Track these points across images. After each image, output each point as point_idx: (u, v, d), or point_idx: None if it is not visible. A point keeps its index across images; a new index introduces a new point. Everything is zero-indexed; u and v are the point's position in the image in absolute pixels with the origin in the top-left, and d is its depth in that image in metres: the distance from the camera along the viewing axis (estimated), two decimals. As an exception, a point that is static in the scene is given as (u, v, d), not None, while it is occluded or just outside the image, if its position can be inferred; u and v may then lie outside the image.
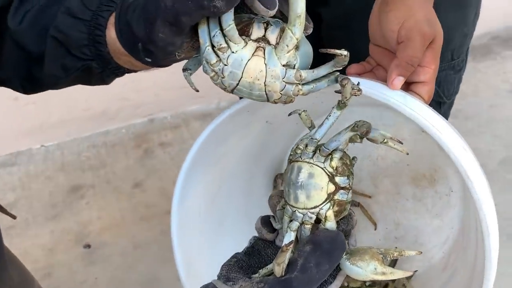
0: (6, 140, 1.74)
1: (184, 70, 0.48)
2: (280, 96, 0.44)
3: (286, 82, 0.43)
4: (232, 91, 0.45)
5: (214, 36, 0.42)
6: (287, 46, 0.41)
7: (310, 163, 0.46)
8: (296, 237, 0.46)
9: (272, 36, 0.42)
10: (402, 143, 0.45)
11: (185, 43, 0.45)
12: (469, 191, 0.48)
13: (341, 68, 0.44)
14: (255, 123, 0.65)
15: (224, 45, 0.42)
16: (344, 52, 0.41)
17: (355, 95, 0.44)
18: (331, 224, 0.45)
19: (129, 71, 0.57)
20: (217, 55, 0.43)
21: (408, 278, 0.66)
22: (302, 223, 0.46)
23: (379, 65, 0.62)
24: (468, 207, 0.63)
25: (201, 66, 0.46)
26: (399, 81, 0.53)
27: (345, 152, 0.47)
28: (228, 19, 0.41)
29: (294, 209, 0.46)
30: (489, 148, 1.74)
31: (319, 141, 0.46)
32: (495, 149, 1.74)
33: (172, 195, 0.64)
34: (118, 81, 0.62)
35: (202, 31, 0.43)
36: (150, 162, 1.74)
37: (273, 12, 0.42)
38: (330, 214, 0.45)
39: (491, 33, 2.48)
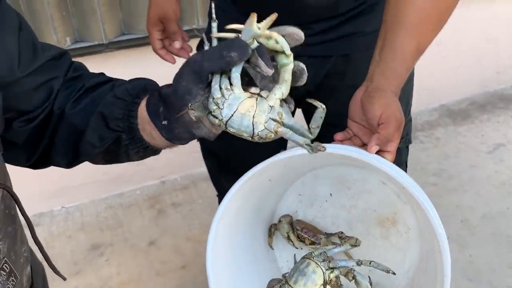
0: (31, 202, 1.89)
1: (190, 109, 0.57)
2: (263, 129, 0.55)
3: (270, 118, 0.55)
4: (226, 124, 0.55)
5: (222, 82, 0.54)
6: (275, 94, 0.54)
7: (318, 264, 0.66)
8: None
9: (264, 93, 0.55)
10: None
11: (199, 96, 0.55)
12: (423, 227, 0.65)
13: (315, 134, 0.56)
14: (261, 182, 0.80)
15: (229, 87, 0.54)
16: (323, 105, 0.55)
17: (320, 150, 0.58)
18: None
19: (148, 150, 0.66)
20: (222, 94, 0.54)
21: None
22: None
23: (355, 135, 0.82)
24: (424, 241, 0.79)
25: (203, 112, 0.56)
26: (376, 149, 0.73)
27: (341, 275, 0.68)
28: (236, 70, 0.54)
29: None
30: (471, 205, 1.92)
31: (329, 259, 0.67)
32: (476, 205, 1.91)
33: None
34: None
35: (215, 78, 0.55)
36: (163, 221, 1.89)
37: (271, 71, 0.53)
38: None
39: (469, 99, 2.73)
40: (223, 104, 0.54)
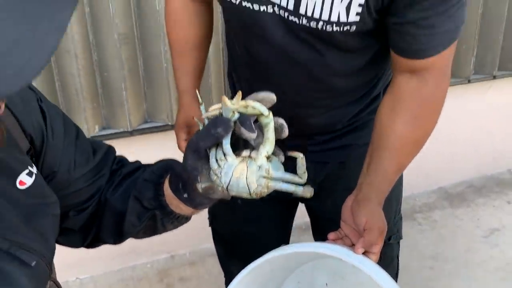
0: (48, 273, 2.01)
1: (198, 182, 0.66)
2: (257, 186, 0.63)
3: (260, 176, 0.62)
4: (227, 188, 0.63)
5: (217, 154, 0.63)
6: (260, 154, 0.62)
7: None
8: None
9: (254, 153, 0.63)
10: None
11: (204, 170, 0.64)
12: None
13: (304, 178, 0.64)
14: (263, 271, 0.90)
15: (223, 157, 0.62)
16: (301, 155, 0.64)
17: (310, 193, 0.65)
18: None
19: (180, 219, 0.76)
20: (218, 164, 0.62)
21: None
22: None
23: (346, 236, 0.95)
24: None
25: (210, 182, 0.64)
26: (362, 250, 0.87)
27: None
28: (226, 142, 0.62)
29: None
30: (466, 290, 2.00)
31: None
32: (471, 290, 2.00)
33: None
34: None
35: (212, 153, 0.63)
36: (172, 295, 1.98)
37: (254, 135, 0.60)
38: None
39: (466, 182, 2.86)
40: (220, 173, 0.63)
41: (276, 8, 0.88)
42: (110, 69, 1.71)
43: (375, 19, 0.85)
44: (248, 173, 0.63)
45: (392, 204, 1.19)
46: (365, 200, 0.94)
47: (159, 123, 1.88)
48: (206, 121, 0.64)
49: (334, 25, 0.85)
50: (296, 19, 0.87)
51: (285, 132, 0.63)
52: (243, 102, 0.60)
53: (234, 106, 0.59)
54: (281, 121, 0.63)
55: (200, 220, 1.41)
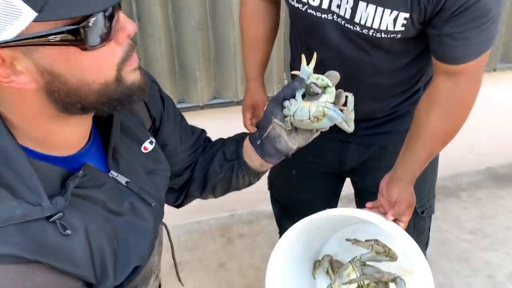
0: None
1: (273, 121, 0.83)
2: (315, 110, 0.79)
3: (319, 105, 0.79)
4: (293, 115, 0.80)
5: (290, 100, 0.81)
6: (322, 98, 0.80)
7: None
8: None
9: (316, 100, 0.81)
10: None
11: (279, 114, 0.81)
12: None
13: (352, 116, 0.81)
14: (311, 228, 1.08)
15: (294, 101, 0.82)
16: (351, 95, 0.81)
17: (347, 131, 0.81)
18: None
19: (250, 173, 0.93)
20: (291, 103, 0.82)
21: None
22: None
23: (381, 206, 1.15)
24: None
25: (282, 120, 0.82)
26: (392, 218, 1.07)
27: None
28: (299, 93, 0.81)
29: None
30: (500, 263, 2.15)
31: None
32: (505, 264, 2.15)
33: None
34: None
35: (286, 101, 0.81)
36: (231, 248, 2.28)
37: (320, 91, 0.79)
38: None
39: (515, 163, 2.94)
40: (290, 106, 0.81)
41: (335, 16, 1.07)
42: (187, 52, 1.97)
43: (417, 29, 1.02)
44: (310, 104, 0.80)
45: (427, 184, 1.38)
46: (398, 179, 1.14)
47: (226, 99, 2.13)
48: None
49: (383, 33, 1.03)
50: (351, 26, 1.06)
51: (342, 99, 0.80)
52: (315, 75, 0.80)
53: (311, 66, 0.80)
54: (344, 93, 0.80)
55: (258, 184, 1.65)
